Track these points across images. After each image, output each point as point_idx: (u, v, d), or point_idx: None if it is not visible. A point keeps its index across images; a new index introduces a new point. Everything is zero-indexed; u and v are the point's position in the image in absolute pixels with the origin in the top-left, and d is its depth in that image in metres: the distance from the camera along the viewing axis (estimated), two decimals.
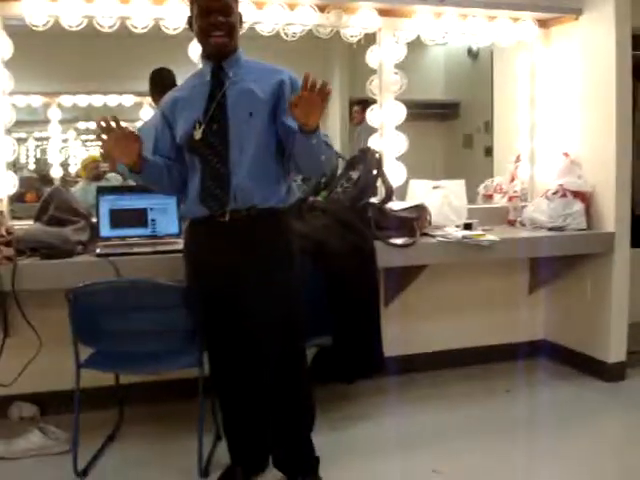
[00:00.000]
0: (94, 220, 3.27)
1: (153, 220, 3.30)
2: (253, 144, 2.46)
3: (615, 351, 3.86)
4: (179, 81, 3.32)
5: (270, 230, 2.51)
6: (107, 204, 3.27)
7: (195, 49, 3.46)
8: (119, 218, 3.27)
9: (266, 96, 2.47)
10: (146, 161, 2.45)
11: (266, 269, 2.49)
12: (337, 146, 3.94)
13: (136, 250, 3.04)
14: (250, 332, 2.55)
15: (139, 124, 4.60)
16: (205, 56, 2.54)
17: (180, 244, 3.08)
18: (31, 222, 3.23)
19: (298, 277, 2.59)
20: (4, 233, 3.01)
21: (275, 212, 2.52)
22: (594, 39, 3.83)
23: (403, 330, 3.79)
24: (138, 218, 3.29)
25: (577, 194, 3.83)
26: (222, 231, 2.48)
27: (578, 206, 3.81)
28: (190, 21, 2.52)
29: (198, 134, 2.45)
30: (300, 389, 2.65)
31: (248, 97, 2.46)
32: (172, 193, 2.79)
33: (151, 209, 3.30)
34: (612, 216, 3.79)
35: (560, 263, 3.95)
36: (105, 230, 3.25)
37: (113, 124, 2.34)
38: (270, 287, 2.50)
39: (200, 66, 2.62)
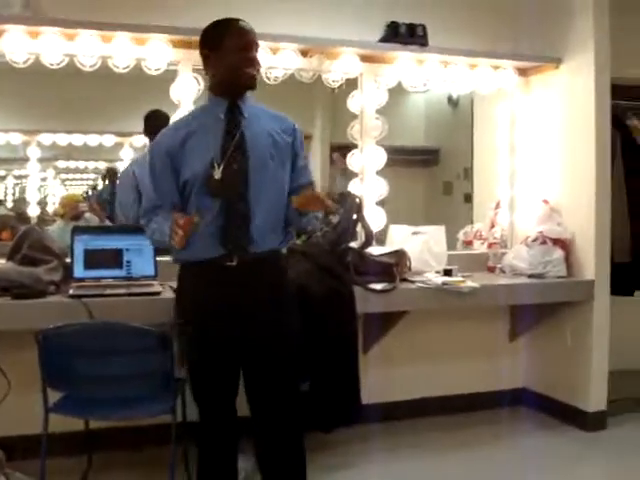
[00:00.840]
0: (68, 260, 3.21)
1: (128, 261, 3.25)
2: (271, 187, 2.47)
3: (595, 400, 3.83)
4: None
5: (275, 272, 2.54)
6: (82, 244, 3.22)
7: (177, 90, 3.47)
8: (94, 258, 3.22)
9: (283, 141, 2.50)
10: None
11: (274, 311, 2.50)
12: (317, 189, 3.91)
13: (110, 292, 2.98)
14: (254, 373, 2.54)
15: (119, 164, 4.59)
16: (219, 93, 2.51)
17: (155, 286, 3.04)
18: (3, 261, 3.17)
19: (299, 319, 2.63)
20: None
21: (278, 255, 2.56)
22: (574, 88, 3.88)
23: (383, 377, 3.74)
24: (113, 259, 3.24)
25: (557, 241, 3.83)
26: (230, 274, 2.44)
27: (558, 253, 3.80)
28: (207, 57, 2.51)
29: (218, 174, 2.40)
30: (297, 435, 2.61)
31: (268, 139, 2.47)
32: None
33: (127, 250, 3.25)
34: (592, 263, 3.79)
35: (540, 310, 3.94)
36: (79, 271, 3.19)
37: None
38: (277, 328, 2.50)
39: (202, 103, 2.66)
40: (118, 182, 4.30)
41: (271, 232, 2.48)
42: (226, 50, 2.44)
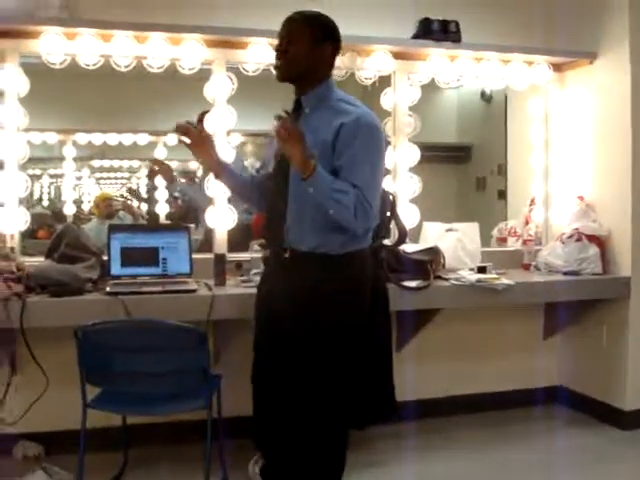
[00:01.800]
0: (105, 258, 3.26)
1: (164, 259, 3.28)
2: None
3: (632, 398, 3.78)
4: None
5: (319, 275, 2.45)
6: (118, 242, 3.26)
7: (211, 89, 3.49)
8: (130, 256, 3.26)
9: (327, 140, 2.41)
10: (225, 169, 2.56)
11: (314, 312, 2.46)
12: None
13: (146, 289, 3.01)
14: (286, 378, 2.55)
15: None
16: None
17: (190, 284, 3.08)
18: (42, 259, 3.22)
19: (339, 320, 2.53)
20: (14, 269, 2.99)
21: (327, 258, 2.45)
22: (609, 82, 3.83)
23: (416, 374, 3.72)
24: (149, 257, 3.27)
25: (592, 238, 3.79)
26: (281, 268, 2.52)
27: (593, 250, 3.76)
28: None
29: (271, 166, 2.56)
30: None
31: (314, 139, 2.38)
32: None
33: (162, 248, 3.29)
34: (628, 260, 3.74)
35: (575, 308, 3.90)
36: (116, 268, 3.23)
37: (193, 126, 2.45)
38: (306, 325, 2.47)
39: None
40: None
41: (310, 233, 2.43)
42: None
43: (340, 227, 2.41)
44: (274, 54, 2.51)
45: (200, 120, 3.59)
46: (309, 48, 2.47)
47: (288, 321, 2.48)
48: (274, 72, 2.52)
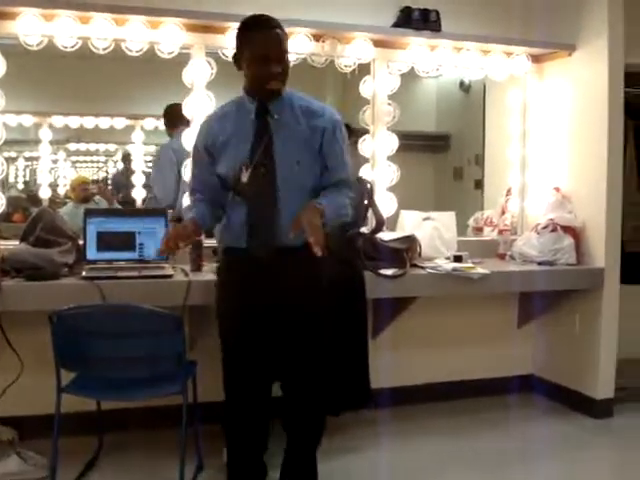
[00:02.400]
0: (81, 242, 3.23)
1: (141, 244, 3.27)
2: (298, 189, 2.54)
3: (603, 388, 3.83)
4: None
5: (306, 263, 2.52)
6: (94, 226, 3.24)
7: (190, 73, 3.47)
8: (106, 241, 3.24)
9: (310, 143, 2.55)
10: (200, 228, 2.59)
11: (302, 293, 2.59)
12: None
13: (122, 274, 3.00)
14: (285, 352, 2.65)
15: (130, 147, 4.60)
16: (248, 92, 2.57)
17: (167, 269, 3.06)
18: (17, 242, 3.19)
19: (327, 303, 2.70)
20: None
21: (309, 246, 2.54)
22: (587, 75, 3.85)
23: (391, 362, 3.75)
24: (125, 241, 3.26)
25: (567, 229, 3.83)
26: (260, 265, 2.53)
27: (568, 241, 3.80)
28: (237, 58, 2.55)
29: (245, 177, 2.50)
30: (322, 412, 2.82)
31: (295, 145, 2.53)
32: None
33: (139, 233, 3.27)
34: (602, 252, 3.78)
35: (549, 297, 3.94)
36: (92, 253, 3.22)
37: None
38: (304, 316, 2.62)
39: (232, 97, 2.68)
40: (156, 163, 4.31)
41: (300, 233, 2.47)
42: (248, 57, 2.48)
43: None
44: (276, 66, 2.46)
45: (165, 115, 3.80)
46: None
47: (297, 310, 2.59)
48: (273, 84, 2.49)
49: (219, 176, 2.60)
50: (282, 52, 2.50)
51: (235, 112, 2.61)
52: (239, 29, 2.55)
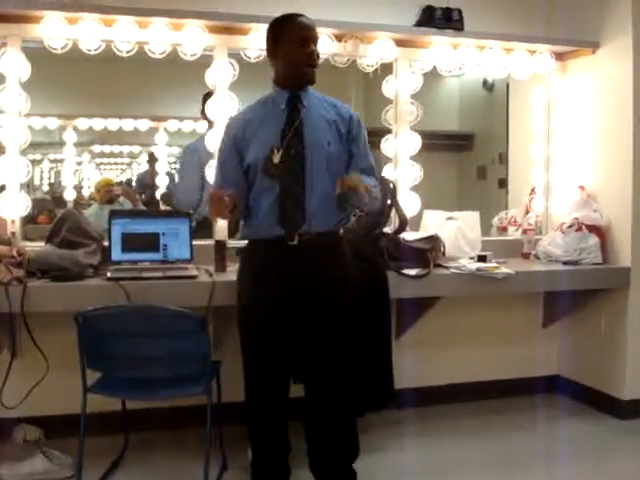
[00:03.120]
0: (106, 243, 3.26)
1: (165, 245, 3.28)
2: (326, 171, 2.62)
3: (630, 388, 3.79)
4: None
5: (334, 253, 2.69)
6: (119, 228, 3.26)
7: (213, 75, 3.48)
8: (131, 242, 3.26)
9: (340, 127, 2.68)
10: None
11: (332, 290, 2.66)
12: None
13: (146, 275, 3.02)
14: (311, 348, 2.69)
15: (153, 148, 4.63)
16: (281, 86, 2.68)
17: (191, 270, 3.07)
18: (43, 244, 3.22)
19: (353, 297, 2.76)
20: (15, 254, 3.00)
21: (336, 235, 2.71)
22: (611, 72, 3.82)
23: (415, 362, 3.74)
24: (150, 243, 3.27)
25: (593, 228, 3.79)
26: (291, 253, 2.59)
27: (593, 240, 3.76)
28: (270, 50, 2.68)
29: (276, 158, 2.58)
30: (350, 414, 2.84)
31: (325, 127, 2.65)
32: None
33: (163, 234, 3.29)
34: (628, 251, 3.74)
35: (575, 297, 3.90)
36: (116, 254, 3.24)
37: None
38: (334, 307, 2.67)
39: (267, 92, 2.76)
40: (180, 164, 4.29)
41: (325, 214, 2.62)
42: (286, 44, 2.61)
43: (343, 208, 2.68)
44: (313, 46, 2.62)
45: (204, 100, 3.65)
46: None
47: (324, 298, 2.65)
48: (309, 68, 2.63)
49: (247, 168, 2.66)
50: (317, 37, 2.66)
51: (264, 105, 2.72)
52: (273, 24, 2.69)
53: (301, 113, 2.64)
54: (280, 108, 2.65)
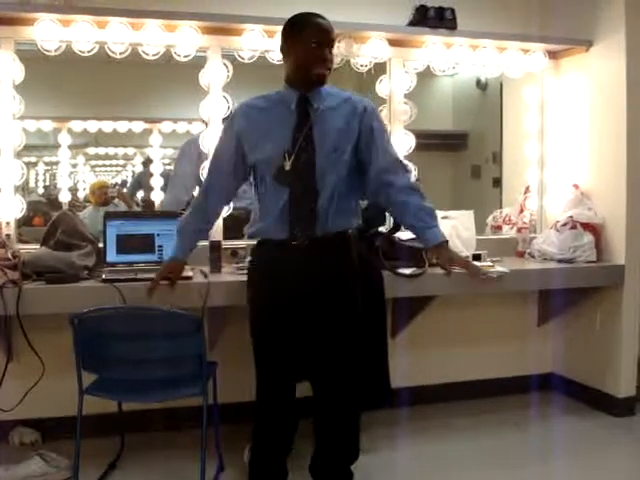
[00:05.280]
0: (101, 245, 3.26)
1: (160, 246, 3.28)
2: (335, 174, 2.62)
3: (625, 386, 3.80)
4: None
5: (343, 252, 2.70)
6: (114, 229, 3.26)
7: (207, 76, 3.49)
8: (126, 243, 3.26)
9: (349, 129, 2.65)
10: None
11: (341, 289, 2.68)
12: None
13: (142, 276, 3.00)
14: (320, 350, 2.70)
15: (148, 150, 4.63)
16: (291, 85, 2.64)
17: (186, 271, 3.06)
18: (38, 246, 3.22)
19: (360, 297, 2.78)
20: (10, 257, 3.00)
21: (347, 235, 2.70)
22: (605, 70, 3.83)
23: (411, 361, 3.74)
24: (145, 244, 3.27)
25: (587, 226, 3.80)
26: (300, 253, 2.60)
27: (588, 238, 3.77)
28: (284, 49, 2.64)
29: (288, 165, 2.57)
30: (356, 412, 2.85)
31: (333, 132, 2.62)
32: None
33: (158, 235, 3.29)
34: (622, 249, 3.75)
35: (569, 295, 3.91)
36: (111, 255, 3.24)
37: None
38: (343, 306, 2.68)
39: (271, 91, 2.72)
40: (179, 152, 4.24)
41: (336, 217, 2.63)
42: (299, 44, 2.57)
43: (355, 210, 2.76)
44: (328, 52, 2.58)
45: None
46: None
47: (332, 296, 2.65)
48: (321, 69, 2.58)
49: (254, 166, 2.67)
50: (332, 40, 2.61)
51: (275, 102, 2.68)
52: (289, 22, 2.65)
53: (310, 118, 2.61)
54: (290, 109, 2.62)
